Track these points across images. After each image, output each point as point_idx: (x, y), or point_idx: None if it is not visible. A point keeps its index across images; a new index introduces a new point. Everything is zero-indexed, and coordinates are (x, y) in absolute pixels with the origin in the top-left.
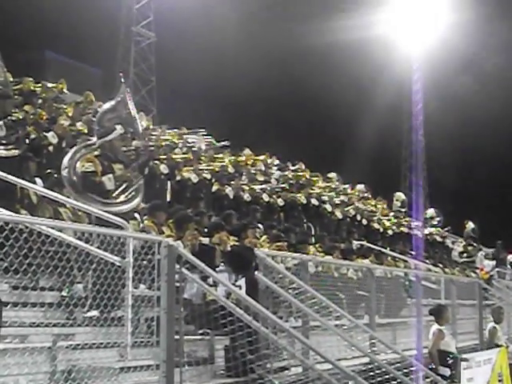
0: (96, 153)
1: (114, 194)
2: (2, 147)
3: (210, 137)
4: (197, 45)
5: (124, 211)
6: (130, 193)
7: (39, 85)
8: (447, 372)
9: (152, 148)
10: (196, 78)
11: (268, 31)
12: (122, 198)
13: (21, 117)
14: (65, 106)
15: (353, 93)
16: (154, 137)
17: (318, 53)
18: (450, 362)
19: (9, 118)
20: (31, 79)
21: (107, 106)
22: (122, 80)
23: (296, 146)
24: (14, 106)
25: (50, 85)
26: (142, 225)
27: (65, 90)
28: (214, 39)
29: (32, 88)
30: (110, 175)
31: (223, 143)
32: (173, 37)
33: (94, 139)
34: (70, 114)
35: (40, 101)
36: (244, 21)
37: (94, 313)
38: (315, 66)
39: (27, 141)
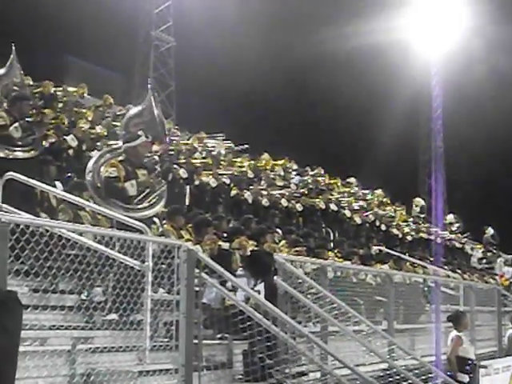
0: (120, 158)
1: (135, 200)
2: (19, 149)
3: (229, 141)
4: (216, 49)
5: (146, 217)
6: (153, 198)
7: (60, 88)
8: (466, 379)
9: (172, 152)
10: (215, 82)
11: (287, 36)
12: (145, 203)
13: (38, 119)
14: (84, 110)
15: (372, 97)
16: (174, 141)
17: (336, 58)
18: (469, 368)
19: (25, 119)
20: (52, 83)
21: (134, 111)
22: (149, 86)
23: (314, 151)
24: (31, 107)
25: (70, 89)
26: (161, 229)
27: (85, 95)
28: (232, 44)
29: (52, 91)
30: (133, 181)
31: (242, 147)
32: (192, 41)
33: (120, 143)
34: (90, 118)
35: (60, 104)
36: (263, 26)
37: (113, 316)
38: (334, 71)
39: (44, 143)
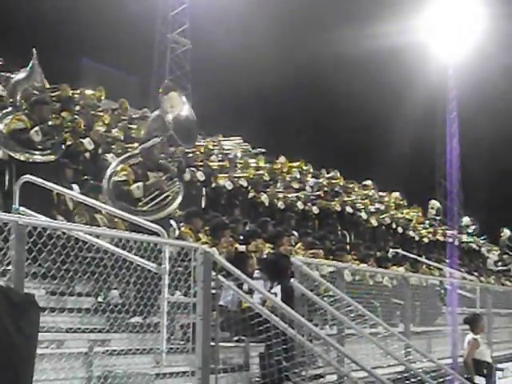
0: (135, 161)
1: (141, 203)
2: (38, 152)
3: (246, 144)
4: (232, 52)
5: (159, 218)
6: (164, 199)
7: (77, 91)
8: (482, 381)
9: (190, 155)
10: (231, 84)
11: (302, 37)
12: (153, 205)
13: (58, 122)
14: (101, 113)
15: (387, 100)
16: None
17: (352, 59)
18: (485, 371)
19: (46, 123)
20: (69, 86)
21: (153, 115)
22: (160, 90)
23: (329, 153)
24: (51, 111)
25: (88, 92)
26: (177, 231)
27: (102, 98)
28: (248, 47)
29: (70, 95)
30: (140, 183)
31: (259, 149)
32: (208, 44)
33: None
34: (107, 122)
35: (77, 107)
36: (279, 29)
37: (138, 319)
38: (350, 72)
39: (63, 147)
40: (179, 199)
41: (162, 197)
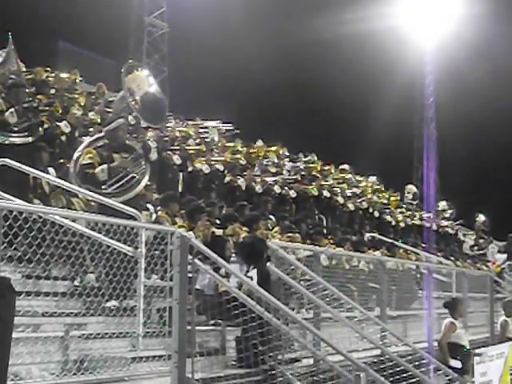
0: (101, 143)
1: (104, 186)
2: (15, 134)
3: (229, 125)
4: (209, 35)
5: (126, 200)
6: (128, 182)
7: (52, 75)
8: (458, 365)
9: (166, 138)
10: (209, 68)
11: (281, 22)
12: (111, 189)
13: (34, 105)
14: (77, 96)
15: (365, 85)
16: (168, 127)
17: (330, 44)
18: (461, 354)
19: (21, 105)
20: (43, 69)
21: (118, 96)
22: (122, 70)
23: (308, 138)
24: (27, 94)
25: (63, 75)
26: (154, 215)
27: (78, 81)
28: (226, 30)
29: (44, 78)
30: (104, 166)
31: (232, 132)
32: (185, 27)
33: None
34: (83, 104)
35: (53, 91)
36: (257, 12)
37: (114, 303)
38: (327, 58)
39: (40, 129)
40: (145, 180)
41: (127, 178)
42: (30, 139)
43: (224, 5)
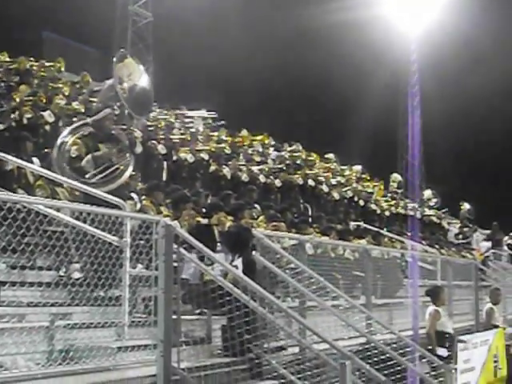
0: (86, 132)
1: (87, 175)
2: None
3: (213, 113)
4: (194, 25)
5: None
6: (112, 173)
7: (36, 64)
8: (445, 353)
9: (151, 128)
10: (193, 57)
11: (267, 11)
12: (95, 179)
13: (4, 91)
14: (61, 85)
15: (350, 73)
16: (152, 117)
17: (315, 33)
18: (447, 342)
19: None
20: (27, 58)
21: (107, 84)
22: (114, 59)
23: (293, 127)
24: None
25: (47, 64)
26: (139, 205)
27: (62, 69)
28: (210, 19)
29: (28, 67)
30: (89, 156)
31: (218, 123)
32: (170, 17)
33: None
34: (67, 93)
35: (37, 80)
36: (242, 1)
37: (99, 292)
38: (312, 47)
39: (13, 116)
40: (129, 171)
41: (111, 169)
42: (1, 126)
43: None
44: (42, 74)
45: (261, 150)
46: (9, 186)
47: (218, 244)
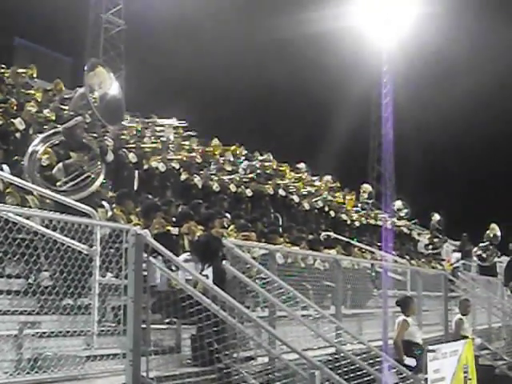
0: (58, 141)
1: (58, 183)
2: None
3: (183, 122)
4: (167, 33)
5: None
6: (82, 181)
7: (8, 70)
8: (413, 362)
9: (122, 136)
10: (166, 66)
11: (239, 22)
12: (66, 187)
13: None
14: (33, 92)
15: (322, 84)
16: (124, 125)
17: (289, 44)
18: (416, 352)
19: None
20: None
21: (78, 92)
22: (85, 68)
23: (265, 137)
24: None
25: (19, 70)
26: (109, 213)
27: (35, 76)
28: (183, 28)
29: None
30: (60, 164)
31: (190, 133)
32: (142, 25)
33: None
34: (39, 100)
35: (9, 87)
36: (215, 11)
37: (68, 301)
38: (285, 57)
39: None
40: (100, 180)
41: (82, 177)
42: None
43: (181, 2)
44: (14, 80)
45: (231, 159)
46: None
47: (188, 253)
